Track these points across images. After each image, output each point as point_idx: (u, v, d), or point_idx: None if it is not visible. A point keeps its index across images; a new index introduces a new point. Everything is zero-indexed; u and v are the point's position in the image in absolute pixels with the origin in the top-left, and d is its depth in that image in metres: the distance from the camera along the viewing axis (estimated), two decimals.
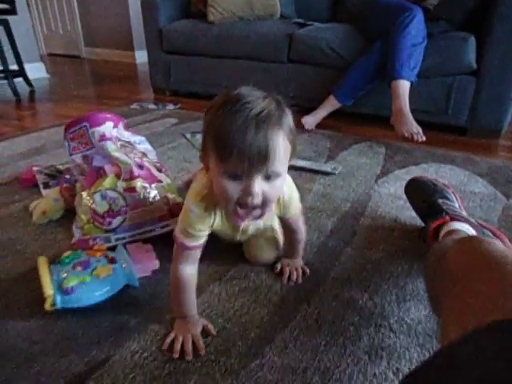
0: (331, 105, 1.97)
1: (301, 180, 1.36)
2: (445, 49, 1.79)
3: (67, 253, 0.84)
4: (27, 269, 0.89)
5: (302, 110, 2.05)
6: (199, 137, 1.80)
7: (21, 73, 2.81)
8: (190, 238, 0.71)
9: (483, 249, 0.47)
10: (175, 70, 2.60)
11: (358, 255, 0.96)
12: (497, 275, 0.40)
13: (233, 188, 0.60)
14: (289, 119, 0.61)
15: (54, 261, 0.82)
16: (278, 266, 0.90)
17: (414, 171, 1.43)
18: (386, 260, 0.94)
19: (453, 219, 0.90)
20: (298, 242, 0.89)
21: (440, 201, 0.98)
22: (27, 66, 2.93)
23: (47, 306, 0.73)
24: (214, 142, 0.59)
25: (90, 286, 0.75)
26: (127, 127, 1.20)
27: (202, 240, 0.74)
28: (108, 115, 1.11)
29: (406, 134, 1.66)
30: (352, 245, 1.00)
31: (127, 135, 1.14)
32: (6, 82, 2.68)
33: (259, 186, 0.59)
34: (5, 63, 2.66)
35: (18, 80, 2.81)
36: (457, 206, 1.00)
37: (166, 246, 0.86)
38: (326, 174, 1.41)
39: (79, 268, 0.78)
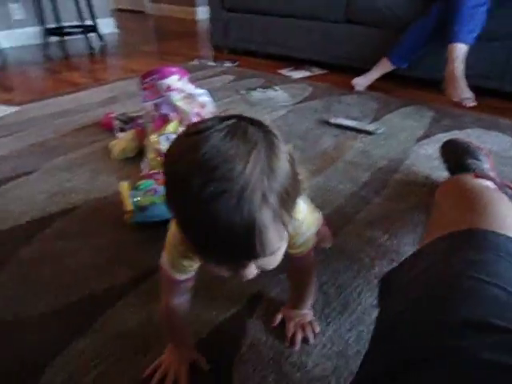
0: (384, 67, 1.99)
1: (343, 137, 1.47)
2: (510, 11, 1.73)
3: (141, 181, 1.04)
4: (111, 193, 1.11)
5: (353, 70, 2.09)
6: (253, 93, 1.93)
7: (94, 28, 3.05)
8: (177, 272, 0.59)
9: (463, 183, 0.58)
10: (234, 28, 2.70)
11: (385, 204, 1.08)
12: (465, 201, 0.52)
13: (220, 271, 0.47)
14: (281, 176, 0.40)
15: (131, 187, 1.03)
16: (278, 318, 0.73)
17: (457, 136, 1.47)
18: (409, 211, 1.05)
19: (477, 176, 0.97)
20: (306, 287, 0.71)
21: (469, 161, 1.05)
22: (99, 22, 3.16)
23: (127, 219, 0.95)
24: (185, 232, 0.43)
25: (159, 206, 0.95)
26: (190, 81, 1.36)
27: (193, 273, 0.61)
28: (174, 69, 1.28)
29: (457, 99, 1.67)
30: (381, 196, 1.12)
31: (190, 88, 1.30)
32: (82, 36, 2.94)
33: (253, 270, 0.46)
34: (81, 19, 2.90)
35: (92, 35, 3.06)
36: (487, 166, 1.06)
37: None
38: (369, 133, 1.49)
39: (150, 193, 0.98)
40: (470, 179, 0.61)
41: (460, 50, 1.72)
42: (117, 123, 1.48)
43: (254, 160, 0.38)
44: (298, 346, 0.68)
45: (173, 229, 0.56)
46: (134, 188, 1.02)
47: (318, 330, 0.71)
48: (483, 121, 1.61)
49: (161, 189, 1.01)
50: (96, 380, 0.63)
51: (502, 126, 1.57)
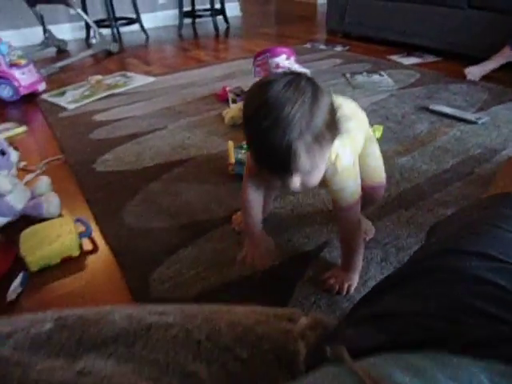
0: (505, 57, 1.88)
1: (440, 124, 1.48)
2: None
3: (244, 143, 1.25)
4: (220, 150, 1.35)
5: (469, 59, 2.01)
6: (357, 77, 2.01)
7: (222, 11, 3.38)
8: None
9: None
10: (351, 12, 2.75)
11: (464, 188, 1.11)
12: None
13: (273, 179, 0.64)
14: (318, 120, 0.56)
15: (236, 146, 1.24)
16: (327, 274, 0.83)
17: None
18: None
19: None
20: (350, 249, 0.80)
21: None
22: (227, 5, 3.48)
23: (230, 170, 1.16)
24: (251, 151, 0.65)
25: None
26: (298, 61, 1.52)
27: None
28: (284, 49, 1.45)
29: None
30: (464, 181, 1.15)
31: (296, 67, 1.46)
32: (210, 18, 3.29)
33: (295, 181, 0.60)
34: (212, 2, 3.24)
35: (219, 17, 3.39)
36: None
37: None
38: (469, 122, 1.48)
39: None
40: None
41: None
42: (231, 95, 1.72)
43: (300, 105, 0.54)
44: (326, 287, 0.79)
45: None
46: (238, 147, 1.23)
47: (352, 290, 0.79)
48: None
49: None
50: (195, 275, 0.85)
51: None
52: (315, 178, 0.64)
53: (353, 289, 0.80)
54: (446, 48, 2.27)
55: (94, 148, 1.42)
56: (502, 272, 0.45)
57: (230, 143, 1.23)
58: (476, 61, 1.94)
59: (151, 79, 2.16)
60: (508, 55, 1.86)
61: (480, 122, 1.47)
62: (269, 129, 0.54)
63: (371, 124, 1.43)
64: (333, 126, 0.60)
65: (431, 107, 1.59)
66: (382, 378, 0.27)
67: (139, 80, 2.15)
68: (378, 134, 1.37)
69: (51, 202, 1.07)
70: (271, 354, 0.45)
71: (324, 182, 0.71)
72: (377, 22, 2.59)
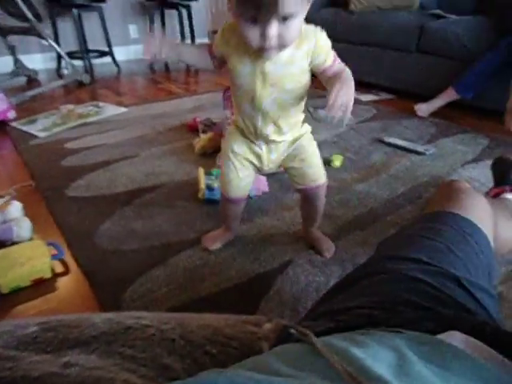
0: (449, 96, 2.09)
1: (394, 154, 1.63)
2: None
3: (213, 170, 1.33)
4: (191, 177, 1.41)
5: (419, 97, 2.22)
6: (320, 111, 2.16)
7: None
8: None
9: (455, 185, 0.75)
10: None
11: (415, 211, 1.23)
12: (448, 194, 0.70)
13: (251, 32, 0.65)
14: None
15: (206, 172, 1.32)
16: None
17: None
18: None
19: (511, 191, 1.10)
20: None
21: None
22: (197, 42, 3.65)
23: (200, 196, 1.23)
24: None
25: None
26: None
27: (216, 48, 0.81)
28: None
29: None
30: (415, 204, 1.27)
31: None
32: None
33: (273, 28, 0.63)
34: (183, 38, 3.39)
35: None
36: None
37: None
38: (419, 153, 1.63)
39: (219, 179, 1.26)
40: (459, 181, 0.78)
41: None
42: (201, 126, 1.81)
43: None
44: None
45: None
46: (208, 173, 1.31)
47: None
48: None
49: None
50: (167, 293, 0.90)
51: None
52: (292, 32, 0.66)
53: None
54: (398, 87, 2.50)
55: (66, 174, 1.45)
56: (430, 273, 0.54)
57: (200, 169, 1.31)
58: (425, 98, 2.15)
59: (123, 109, 2.23)
60: (451, 95, 2.08)
61: (428, 153, 1.62)
62: None
63: (332, 153, 1.54)
64: None
65: (386, 139, 1.74)
66: (330, 344, 0.34)
67: (111, 110, 2.21)
68: (338, 163, 1.49)
69: (22, 227, 1.09)
70: (238, 352, 0.51)
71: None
72: None
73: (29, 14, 2.47)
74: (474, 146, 1.73)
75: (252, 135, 0.87)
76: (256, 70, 0.76)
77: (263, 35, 0.64)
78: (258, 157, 0.89)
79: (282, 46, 0.68)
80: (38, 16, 2.56)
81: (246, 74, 0.78)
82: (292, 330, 0.41)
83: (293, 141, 0.89)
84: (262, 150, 0.88)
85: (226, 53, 0.79)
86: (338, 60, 0.81)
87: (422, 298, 0.48)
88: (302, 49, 0.75)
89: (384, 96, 2.51)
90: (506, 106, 1.83)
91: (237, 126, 0.89)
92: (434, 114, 2.10)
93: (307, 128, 0.94)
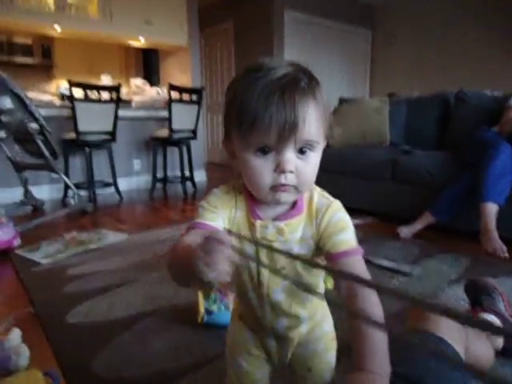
0: (427, 219, 2.28)
1: (381, 276, 1.72)
2: None
3: (212, 293, 1.39)
4: (189, 301, 1.46)
5: (400, 220, 2.41)
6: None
7: (191, 178, 3.87)
8: (200, 216, 0.62)
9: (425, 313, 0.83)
10: None
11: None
12: (424, 313, 0.78)
13: (262, 166, 0.53)
14: (320, 87, 0.55)
15: (205, 297, 1.37)
16: None
17: None
18: None
19: (484, 311, 1.17)
20: (367, 329, 0.52)
21: (483, 297, 1.25)
22: (195, 172, 4.01)
23: (199, 320, 1.27)
24: (237, 113, 0.53)
25: (223, 312, 1.26)
26: None
27: (213, 223, 0.60)
28: None
29: (490, 250, 1.87)
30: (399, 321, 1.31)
31: None
32: (180, 184, 3.74)
33: (291, 159, 0.53)
34: (182, 171, 3.74)
35: (188, 182, 3.86)
36: (499, 304, 1.24)
37: None
38: (404, 274, 1.72)
39: (218, 302, 1.31)
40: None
41: (490, 208, 1.99)
42: None
43: (297, 68, 0.55)
44: None
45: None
46: (207, 297, 1.36)
47: None
48: None
49: (226, 300, 1.34)
50: None
51: None
52: (309, 169, 0.56)
53: None
54: (379, 211, 2.72)
55: (66, 301, 1.49)
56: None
57: (200, 294, 1.37)
58: (406, 221, 2.33)
59: (124, 236, 2.35)
60: (429, 218, 2.27)
61: (414, 273, 1.72)
62: (276, 79, 0.51)
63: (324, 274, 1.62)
64: (330, 127, 0.58)
65: (373, 261, 1.85)
66: None
67: (112, 237, 2.33)
68: (330, 285, 1.57)
69: (20, 355, 1.09)
70: None
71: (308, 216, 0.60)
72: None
73: (46, 153, 2.78)
74: (456, 265, 1.84)
75: (260, 329, 0.69)
76: (260, 252, 0.62)
77: (279, 166, 0.53)
78: (269, 353, 0.71)
79: (297, 188, 0.56)
80: (54, 154, 2.87)
81: (248, 255, 0.62)
82: None
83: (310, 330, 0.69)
84: (273, 345, 0.69)
85: (227, 226, 0.63)
86: (359, 258, 0.59)
87: None
88: (311, 222, 0.61)
89: (367, 220, 2.71)
90: (480, 229, 2.01)
91: (240, 315, 0.73)
92: (416, 236, 2.26)
93: (330, 325, 0.73)
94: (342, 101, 3.46)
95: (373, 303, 0.53)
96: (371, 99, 3.30)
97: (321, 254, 0.62)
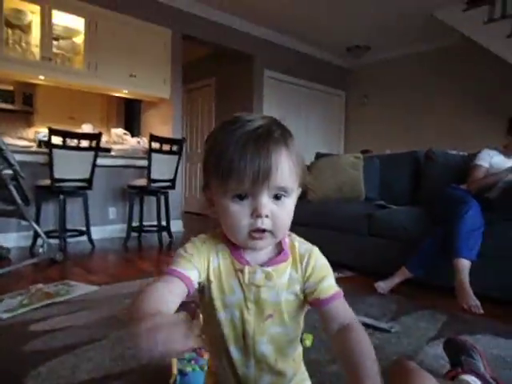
0: (403, 274, 2.30)
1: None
2: (503, 234, 2.10)
3: (187, 354, 1.31)
4: (163, 361, 1.37)
5: (378, 274, 2.42)
6: None
7: (167, 227, 3.81)
8: (175, 263, 0.62)
9: (405, 366, 0.81)
10: None
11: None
12: (402, 375, 0.76)
13: (239, 211, 0.57)
14: (292, 139, 0.60)
15: (179, 357, 1.29)
16: None
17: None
18: None
19: (464, 372, 1.15)
20: (360, 353, 0.58)
21: (463, 357, 1.23)
22: (171, 222, 3.95)
23: (171, 382, 1.18)
24: (214, 162, 0.57)
25: (197, 373, 1.18)
26: None
27: (188, 272, 0.60)
28: None
29: (465, 306, 1.89)
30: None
31: None
32: (156, 234, 3.67)
33: (267, 204, 0.56)
34: (159, 220, 3.68)
35: (164, 233, 3.79)
36: (479, 364, 1.23)
37: None
38: (383, 330, 1.70)
39: (193, 362, 1.24)
40: (407, 362, 0.84)
41: (464, 263, 2.03)
42: None
43: (270, 120, 0.61)
44: None
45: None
46: (181, 358, 1.29)
47: None
48: (492, 327, 1.77)
49: (201, 360, 1.27)
50: None
51: (507, 332, 1.71)
52: (285, 214, 0.61)
53: None
54: (357, 265, 2.72)
55: (26, 361, 1.37)
56: None
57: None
58: (383, 275, 2.33)
59: (94, 288, 2.24)
60: (405, 273, 2.28)
61: (393, 330, 1.69)
62: (252, 130, 0.56)
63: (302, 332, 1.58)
64: (304, 175, 0.63)
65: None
66: None
67: (82, 289, 2.22)
68: (309, 343, 1.51)
69: None
70: None
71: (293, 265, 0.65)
72: None
73: (18, 199, 2.69)
74: (434, 322, 1.83)
75: None
76: (247, 299, 0.63)
77: (256, 210, 0.57)
78: None
79: (273, 233, 0.60)
80: (26, 200, 2.79)
81: (232, 304, 0.63)
82: None
83: None
84: None
85: (204, 276, 0.64)
86: (342, 299, 0.67)
87: None
88: (297, 266, 0.66)
89: (347, 273, 2.71)
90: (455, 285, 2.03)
91: (215, 373, 0.68)
92: (394, 291, 2.26)
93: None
94: (318, 156, 3.58)
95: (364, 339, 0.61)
96: (346, 155, 3.43)
97: (305, 301, 0.68)
